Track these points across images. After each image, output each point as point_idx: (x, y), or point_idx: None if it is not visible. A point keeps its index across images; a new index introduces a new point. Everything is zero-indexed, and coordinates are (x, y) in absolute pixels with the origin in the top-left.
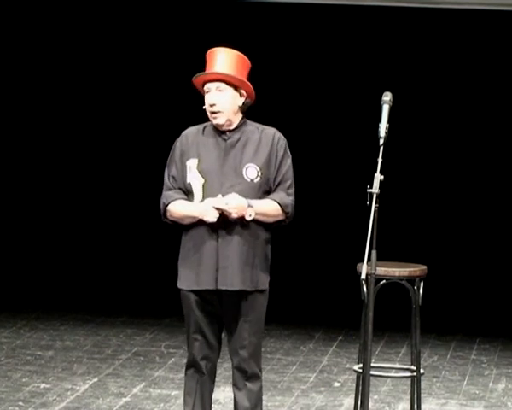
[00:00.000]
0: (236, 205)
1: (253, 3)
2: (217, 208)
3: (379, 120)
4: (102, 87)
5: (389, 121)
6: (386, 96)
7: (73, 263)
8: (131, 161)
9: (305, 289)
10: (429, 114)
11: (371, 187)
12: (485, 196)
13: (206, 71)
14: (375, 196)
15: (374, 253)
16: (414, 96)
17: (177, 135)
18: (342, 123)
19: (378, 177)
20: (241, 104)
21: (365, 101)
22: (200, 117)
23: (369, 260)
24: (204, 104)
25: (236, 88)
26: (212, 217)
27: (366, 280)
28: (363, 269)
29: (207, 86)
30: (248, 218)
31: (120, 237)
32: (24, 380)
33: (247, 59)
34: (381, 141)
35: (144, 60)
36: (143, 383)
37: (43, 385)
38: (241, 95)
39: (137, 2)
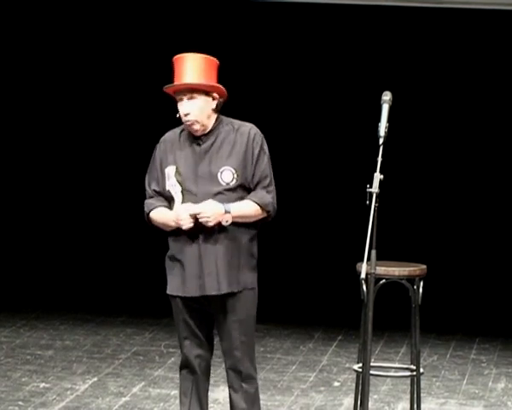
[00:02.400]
0: (211, 213)
1: (254, 3)
2: (191, 215)
3: (379, 120)
4: (98, 89)
5: (389, 121)
6: (386, 96)
7: (73, 263)
8: (133, 161)
9: (305, 289)
10: (429, 113)
11: (371, 186)
12: (485, 196)
13: (176, 80)
14: (374, 195)
15: (373, 252)
16: (414, 95)
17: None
18: (342, 123)
19: (378, 176)
20: (214, 107)
21: (365, 100)
22: None
23: (368, 259)
24: (177, 112)
25: (208, 93)
26: (186, 224)
27: (366, 280)
28: (363, 268)
29: (179, 96)
30: (225, 224)
31: (120, 238)
32: (23, 380)
33: (213, 59)
34: (381, 140)
35: (138, 62)
36: (143, 383)
37: (42, 385)
38: (213, 98)
39: (130, 6)
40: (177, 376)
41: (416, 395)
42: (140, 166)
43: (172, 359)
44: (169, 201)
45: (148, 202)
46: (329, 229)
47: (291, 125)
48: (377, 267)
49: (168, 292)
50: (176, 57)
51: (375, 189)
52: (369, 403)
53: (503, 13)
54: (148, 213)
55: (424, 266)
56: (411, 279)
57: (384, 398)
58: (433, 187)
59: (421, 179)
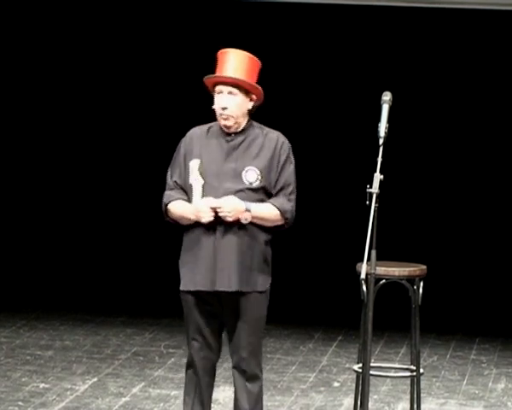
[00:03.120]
0: (232, 208)
1: (254, 3)
2: (212, 208)
3: (379, 120)
4: (105, 87)
5: (389, 121)
6: (386, 96)
7: (73, 263)
8: (132, 162)
9: (305, 289)
10: (429, 113)
11: (371, 187)
12: (485, 196)
13: (218, 72)
14: (374, 195)
15: (373, 252)
16: (414, 95)
17: (180, 134)
18: (342, 123)
19: (378, 176)
20: (250, 108)
21: (365, 100)
22: (203, 117)
23: (368, 259)
24: (213, 104)
25: (247, 93)
26: (206, 217)
27: (366, 280)
28: (363, 269)
29: (219, 88)
30: (244, 221)
31: (120, 237)
32: (23, 380)
33: (257, 60)
34: (381, 141)
35: (148, 59)
36: (143, 383)
37: (42, 385)
38: (250, 99)
39: (130, 6)
40: (177, 376)
41: (415, 396)
42: (139, 168)
43: (172, 359)
44: (189, 194)
45: (167, 193)
46: (329, 229)
47: (290, 126)
48: (377, 267)
49: (181, 288)
50: (222, 51)
51: (375, 189)
52: (369, 403)
53: (503, 13)
54: (167, 205)
55: (424, 267)
56: (411, 279)
57: (384, 398)
58: (433, 187)
59: (421, 179)
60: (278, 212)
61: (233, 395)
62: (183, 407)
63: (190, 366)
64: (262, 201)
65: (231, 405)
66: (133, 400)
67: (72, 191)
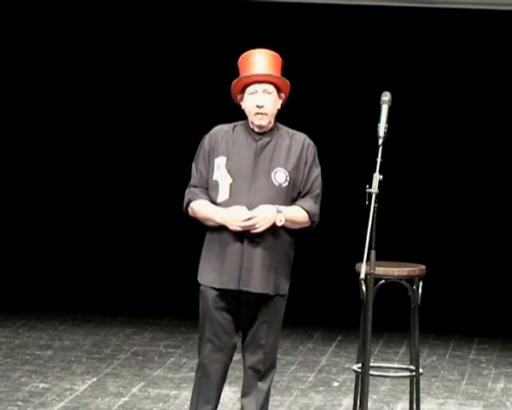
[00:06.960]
0: (266, 220)
1: (254, 3)
2: (244, 222)
3: (378, 120)
4: (108, 86)
5: (388, 121)
6: (385, 96)
7: (73, 263)
8: (129, 163)
9: (304, 289)
10: (429, 113)
11: (370, 187)
12: (484, 196)
13: (247, 74)
14: (374, 195)
15: (373, 252)
16: (413, 95)
17: (185, 132)
18: (341, 123)
19: (377, 177)
20: (279, 107)
21: (364, 101)
22: (208, 117)
23: (368, 259)
24: (244, 105)
25: (279, 91)
26: (236, 227)
27: (365, 280)
28: (363, 269)
29: (253, 88)
30: (279, 224)
31: (119, 237)
32: (23, 380)
33: (279, 56)
34: (380, 141)
35: (154, 60)
36: (142, 383)
37: (42, 385)
38: (280, 97)
39: (130, 6)
40: (177, 376)
41: (415, 396)
42: (137, 168)
43: (172, 359)
44: (212, 191)
45: (193, 189)
46: (329, 229)
47: (290, 126)
48: (376, 268)
49: (202, 282)
50: (244, 54)
51: (374, 189)
52: (369, 403)
53: (503, 13)
54: (191, 202)
55: (423, 267)
56: (410, 279)
57: (383, 398)
58: (433, 187)
59: (421, 180)
60: (307, 215)
61: (232, 395)
62: (189, 408)
63: (201, 367)
64: (290, 201)
65: (231, 404)
66: (132, 400)
67: (72, 193)
